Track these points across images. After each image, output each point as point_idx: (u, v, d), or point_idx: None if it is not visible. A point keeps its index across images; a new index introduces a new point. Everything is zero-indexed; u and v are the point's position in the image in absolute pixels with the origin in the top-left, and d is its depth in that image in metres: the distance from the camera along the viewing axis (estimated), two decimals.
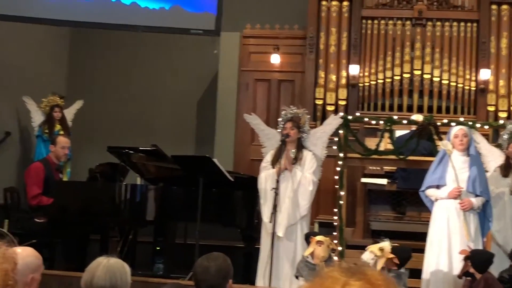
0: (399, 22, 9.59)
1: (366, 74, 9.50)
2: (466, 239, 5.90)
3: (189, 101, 11.11)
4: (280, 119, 6.82)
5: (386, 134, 7.21)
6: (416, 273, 6.06)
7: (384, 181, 7.96)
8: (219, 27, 8.42)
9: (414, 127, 7.34)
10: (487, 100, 9.26)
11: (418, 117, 7.46)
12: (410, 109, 9.31)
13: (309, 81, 9.64)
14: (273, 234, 6.26)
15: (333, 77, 9.50)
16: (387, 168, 8.14)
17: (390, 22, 9.60)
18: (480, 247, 5.98)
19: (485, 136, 7.41)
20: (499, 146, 6.79)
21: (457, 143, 6.15)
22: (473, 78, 9.35)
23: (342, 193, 6.97)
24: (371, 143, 7.42)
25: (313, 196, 6.64)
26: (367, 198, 8.02)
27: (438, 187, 6.15)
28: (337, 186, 7.04)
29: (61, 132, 9.20)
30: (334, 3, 9.65)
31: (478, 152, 6.40)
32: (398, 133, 7.78)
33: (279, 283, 6.33)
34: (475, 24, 9.49)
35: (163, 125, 11.01)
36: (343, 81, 9.50)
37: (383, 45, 9.56)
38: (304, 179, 6.52)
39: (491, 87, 9.27)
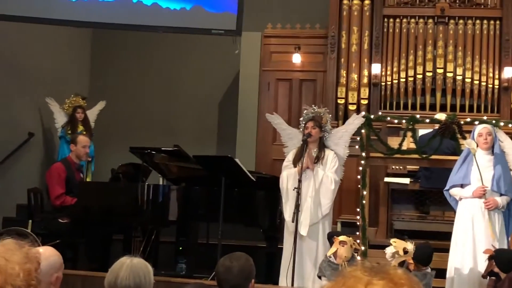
0: (421, 20, 9.53)
1: (388, 73, 9.45)
2: (491, 238, 5.85)
3: (210, 101, 11.13)
4: (301, 119, 6.81)
5: (409, 133, 7.16)
6: (440, 273, 6.01)
7: (407, 181, 7.91)
8: (240, 27, 8.40)
9: (437, 126, 7.28)
10: (510, 98, 9.18)
11: (441, 115, 7.39)
12: (433, 108, 9.25)
13: (330, 80, 9.60)
14: (296, 233, 6.24)
15: (355, 76, 9.46)
16: (410, 167, 8.09)
17: (412, 20, 9.55)
18: (505, 246, 5.92)
19: (509, 134, 7.32)
20: None
21: (481, 141, 6.09)
22: (496, 76, 9.27)
23: (364, 192, 6.93)
24: (393, 142, 7.37)
25: (335, 195, 6.62)
26: (390, 197, 7.97)
27: (462, 186, 6.10)
28: (360, 186, 7.00)
29: (84, 133, 9.25)
30: (355, 1, 9.61)
31: (502, 150, 6.33)
32: (421, 132, 7.72)
33: (302, 283, 6.31)
34: (498, 22, 9.40)
35: (185, 126, 11.04)
36: (365, 80, 9.46)
37: (405, 44, 9.51)
38: (326, 178, 6.50)
39: None
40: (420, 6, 9.58)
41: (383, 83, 9.43)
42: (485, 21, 9.41)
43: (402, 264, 5.48)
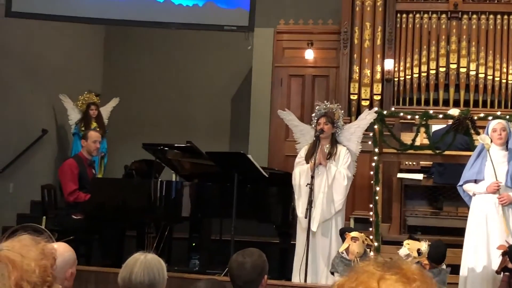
0: (434, 15, 9.48)
1: (401, 68, 9.42)
2: (505, 233, 5.82)
3: (223, 98, 11.14)
4: (313, 115, 6.79)
5: (422, 129, 7.13)
6: (454, 269, 5.99)
7: (420, 176, 7.89)
8: (253, 23, 8.40)
9: (450, 122, 7.25)
10: None
11: (454, 111, 7.36)
12: (446, 103, 9.21)
13: (343, 76, 9.59)
14: (308, 230, 6.24)
15: (368, 72, 9.44)
16: (423, 163, 8.06)
17: (425, 15, 9.50)
18: None
19: None
20: None
21: (495, 137, 6.06)
22: (510, 71, 9.22)
23: (377, 188, 6.92)
24: (406, 138, 7.35)
25: (347, 191, 6.61)
26: (403, 193, 7.95)
27: (476, 181, 6.07)
28: (373, 182, 6.99)
29: (97, 129, 9.29)
30: None
31: None
32: (434, 127, 7.70)
33: (315, 279, 6.32)
34: (511, 17, 9.35)
35: (198, 122, 11.06)
36: (378, 75, 9.43)
37: (418, 39, 9.47)
38: (338, 174, 6.49)
39: None
40: (433, 1, 9.53)
41: (396, 79, 9.41)
42: (498, 16, 9.35)
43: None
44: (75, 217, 7.10)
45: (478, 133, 6.69)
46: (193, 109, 11.19)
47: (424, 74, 9.34)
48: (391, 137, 7.17)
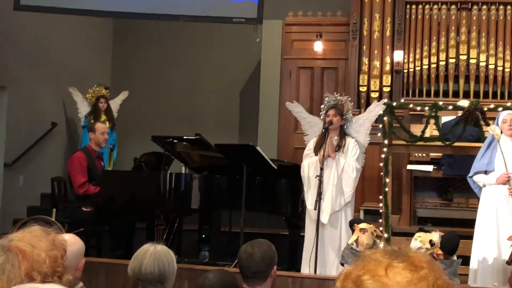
0: (444, 6, 9.43)
1: (411, 60, 9.39)
2: None
3: (232, 90, 11.14)
4: (322, 106, 6.78)
5: (432, 121, 7.11)
6: (464, 260, 5.98)
7: (430, 168, 7.87)
8: (261, 15, 8.38)
9: (460, 113, 7.23)
10: None
11: (464, 102, 7.34)
12: (456, 94, 9.17)
13: (352, 68, 9.56)
14: (318, 221, 6.24)
15: (377, 64, 9.41)
16: (433, 154, 8.05)
17: (435, 6, 9.45)
18: None
19: None
20: None
21: (505, 128, 6.05)
22: None
23: (387, 180, 6.91)
24: (416, 129, 7.33)
25: (356, 183, 6.60)
26: (413, 185, 7.94)
27: (486, 173, 6.06)
28: (382, 173, 6.98)
29: (106, 123, 9.31)
30: None
31: None
32: (444, 119, 7.68)
33: (324, 271, 6.32)
34: None
35: (207, 114, 11.07)
36: (387, 67, 9.40)
37: (428, 30, 9.42)
38: (347, 166, 6.48)
39: None
40: None
41: (405, 70, 9.37)
42: (508, 7, 9.29)
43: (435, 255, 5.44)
44: (85, 209, 7.13)
45: (488, 124, 6.67)
46: (202, 101, 11.19)
47: (433, 66, 9.30)
48: (400, 129, 7.15)
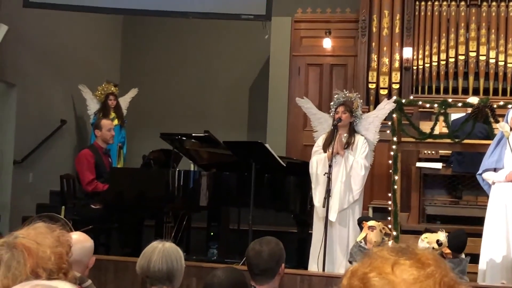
0: (453, 3, 9.39)
1: (420, 56, 9.35)
2: None
3: (241, 87, 11.14)
4: (332, 103, 6.76)
5: (441, 118, 7.08)
6: (474, 258, 5.96)
7: (439, 165, 7.84)
8: (270, 12, 8.35)
9: (469, 110, 7.19)
10: None
11: (473, 99, 7.30)
12: (465, 91, 9.14)
13: (361, 65, 9.53)
14: (326, 219, 6.22)
15: (386, 60, 9.38)
16: (442, 152, 8.02)
17: (444, 3, 9.41)
18: None
19: None
20: None
21: None
22: None
23: (396, 177, 6.89)
24: (425, 126, 7.30)
25: (365, 181, 6.58)
26: (422, 182, 7.92)
27: (495, 170, 6.02)
28: (391, 171, 6.96)
29: (115, 121, 9.33)
30: None
31: None
32: (453, 116, 7.64)
33: (332, 268, 6.30)
34: None
35: (216, 111, 11.07)
36: (396, 64, 9.37)
37: (437, 27, 9.39)
38: (356, 163, 6.46)
39: None
40: None
41: (414, 67, 9.34)
42: None
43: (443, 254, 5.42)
44: (94, 207, 7.14)
45: (497, 122, 6.63)
46: (210, 98, 11.19)
47: (443, 62, 9.27)
48: (409, 126, 7.13)
